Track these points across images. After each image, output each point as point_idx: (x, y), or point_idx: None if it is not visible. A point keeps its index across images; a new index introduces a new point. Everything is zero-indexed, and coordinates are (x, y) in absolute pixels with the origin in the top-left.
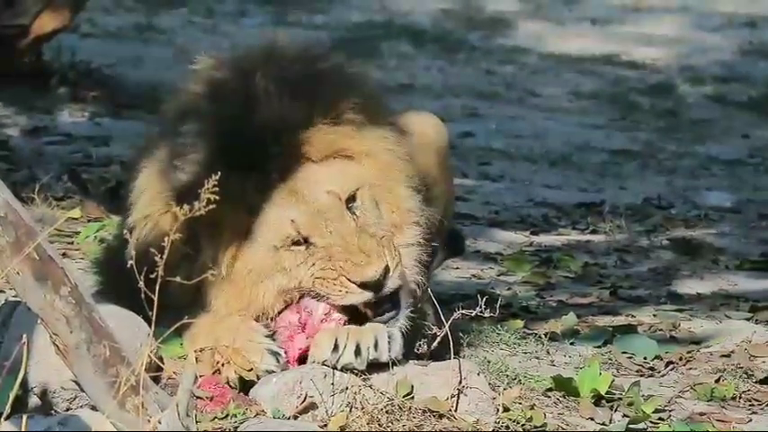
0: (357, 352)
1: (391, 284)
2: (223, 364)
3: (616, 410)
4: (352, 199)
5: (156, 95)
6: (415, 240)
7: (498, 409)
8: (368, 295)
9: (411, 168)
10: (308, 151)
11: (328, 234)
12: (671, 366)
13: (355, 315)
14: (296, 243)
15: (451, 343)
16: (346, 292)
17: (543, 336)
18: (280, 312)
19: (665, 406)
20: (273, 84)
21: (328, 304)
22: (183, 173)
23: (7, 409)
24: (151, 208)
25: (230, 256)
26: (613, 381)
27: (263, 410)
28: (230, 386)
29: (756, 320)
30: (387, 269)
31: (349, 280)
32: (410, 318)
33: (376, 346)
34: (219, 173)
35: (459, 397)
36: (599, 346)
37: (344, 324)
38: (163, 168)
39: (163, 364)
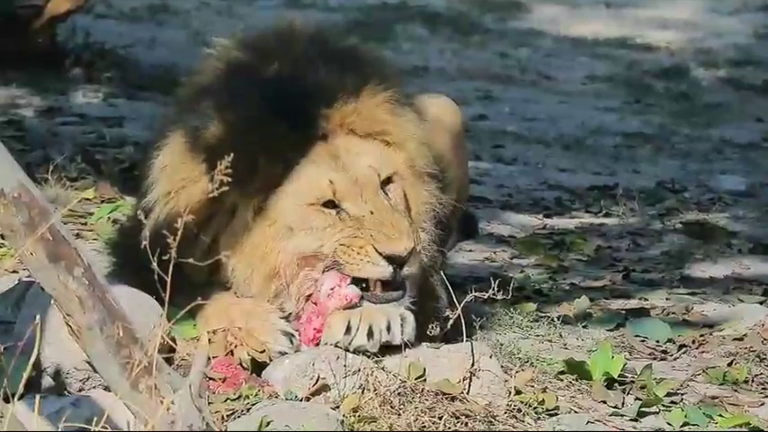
0: (370, 334)
1: (410, 268)
2: (236, 346)
3: (628, 393)
4: (387, 181)
5: (170, 77)
6: (430, 235)
7: (510, 392)
8: (388, 270)
9: (430, 158)
10: (354, 123)
11: (363, 204)
12: (683, 350)
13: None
14: (327, 205)
15: (464, 325)
16: (368, 261)
17: (556, 319)
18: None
19: (678, 389)
20: (319, 54)
21: (340, 276)
22: (213, 135)
23: (20, 390)
24: (174, 183)
25: (257, 204)
26: (626, 364)
27: (275, 392)
28: (243, 367)
29: None
30: (414, 250)
31: (376, 250)
32: (416, 303)
33: (389, 328)
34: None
35: (471, 379)
36: (611, 330)
37: (349, 300)
38: (189, 138)
39: (176, 345)
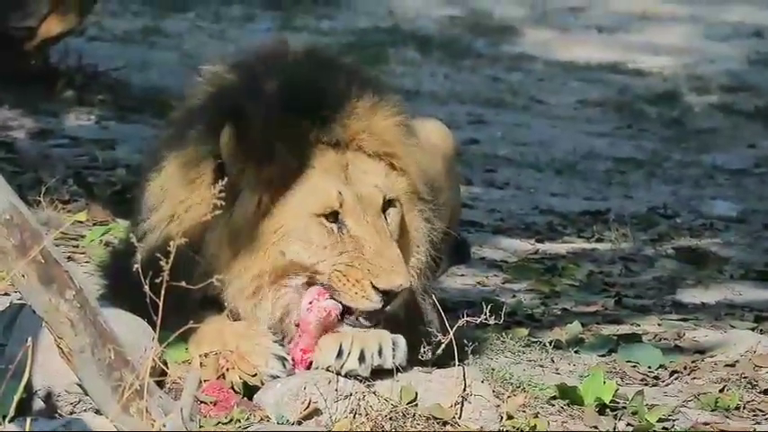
0: (361, 358)
1: (397, 302)
2: (228, 369)
3: (620, 419)
4: (388, 205)
5: (162, 100)
6: (424, 260)
7: (502, 417)
8: (379, 305)
9: (426, 186)
10: (364, 140)
11: (364, 224)
12: (675, 376)
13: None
14: (330, 217)
15: (456, 350)
16: (362, 296)
17: (548, 344)
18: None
19: (669, 415)
20: (320, 67)
21: (318, 290)
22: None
23: (11, 412)
24: (176, 206)
25: (263, 198)
26: (617, 389)
27: (266, 415)
28: (234, 391)
29: (761, 330)
30: (408, 285)
31: (372, 285)
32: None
33: (380, 352)
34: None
35: (463, 404)
36: (603, 355)
37: (328, 313)
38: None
39: (167, 368)
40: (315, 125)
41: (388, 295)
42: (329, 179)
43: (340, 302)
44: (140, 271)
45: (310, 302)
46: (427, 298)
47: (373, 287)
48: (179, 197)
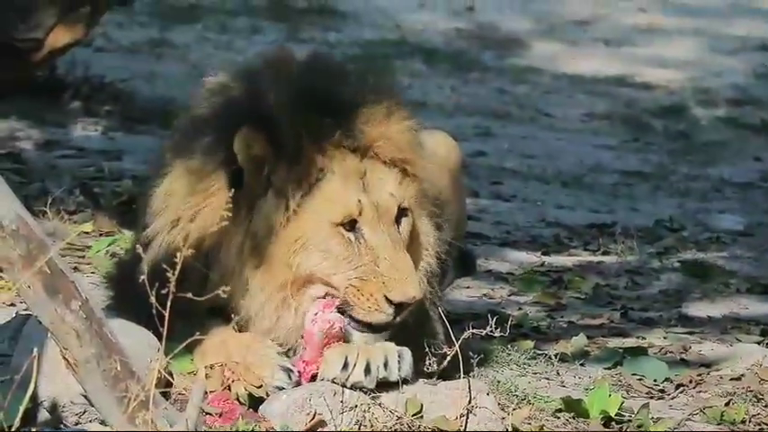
0: (367, 370)
1: (408, 312)
2: (233, 380)
3: None
4: (401, 213)
5: (168, 111)
6: (431, 270)
7: (507, 430)
8: (391, 317)
9: (432, 198)
10: (381, 147)
11: (381, 233)
12: (681, 389)
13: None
14: (348, 225)
15: (461, 362)
16: (376, 309)
17: (553, 356)
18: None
19: (675, 429)
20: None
21: (324, 302)
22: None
23: (17, 423)
24: (180, 211)
25: (293, 205)
26: (623, 403)
27: (272, 427)
28: (240, 402)
29: (767, 344)
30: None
31: (386, 298)
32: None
33: (386, 365)
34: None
35: (468, 417)
36: (609, 368)
37: (332, 324)
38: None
39: (173, 379)
40: (339, 127)
41: (401, 307)
42: (350, 186)
43: (350, 315)
44: (146, 281)
45: (315, 314)
46: (434, 309)
47: (387, 300)
48: (185, 203)
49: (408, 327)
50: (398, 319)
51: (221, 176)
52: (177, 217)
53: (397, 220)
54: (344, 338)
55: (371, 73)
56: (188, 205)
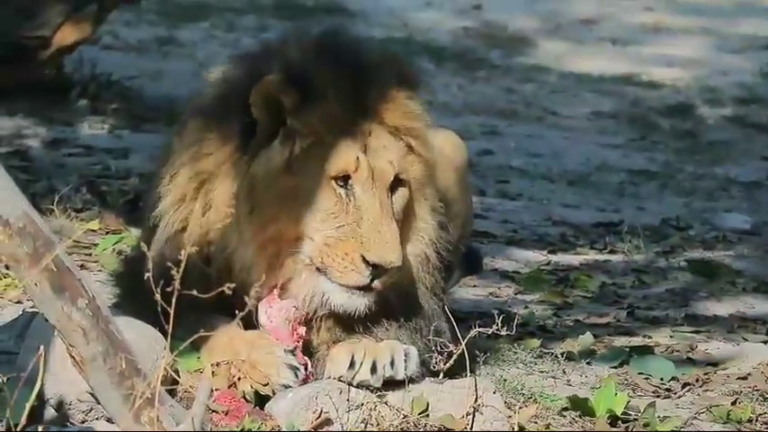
0: (373, 369)
1: (386, 280)
2: (239, 378)
3: (632, 431)
4: (398, 183)
5: (175, 109)
6: (421, 253)
7: (513, 428)
8: (367, 280)
9: (435, 191)
10: (388, 113)
11: (371, 194)
12: (687, 388)
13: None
14: (342, 181)
15: (468, 361)
16: (352, 269)
17: (560, 355)
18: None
19: (681, 427)
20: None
21: (269, 297)
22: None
23: (23, 421)
24: (186, 188)
25: (296, 148)
26: (629, 401)
27: (278, 425)
28: (246, 400)
29: None
30: (396, 269)
31: (363, 258)
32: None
33: (392, 363)
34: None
35: (474, 415)
36: (615, 367)
37: (287, 310)
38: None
39: (179, 377)
40: (355, 81)
41: (377, 270)
42: (352, 143)
43: (328, 278)
44: (151, 270)
45: (266, 313)
46: (435, 300)
47: (363, 260)
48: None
49: (395, 303)
50: (377, 283)
51: (229, 134)
52: (183, 194)
53: (393, 189)
54: (307, 316)
55: (389, 56)
56: (193, 173)
